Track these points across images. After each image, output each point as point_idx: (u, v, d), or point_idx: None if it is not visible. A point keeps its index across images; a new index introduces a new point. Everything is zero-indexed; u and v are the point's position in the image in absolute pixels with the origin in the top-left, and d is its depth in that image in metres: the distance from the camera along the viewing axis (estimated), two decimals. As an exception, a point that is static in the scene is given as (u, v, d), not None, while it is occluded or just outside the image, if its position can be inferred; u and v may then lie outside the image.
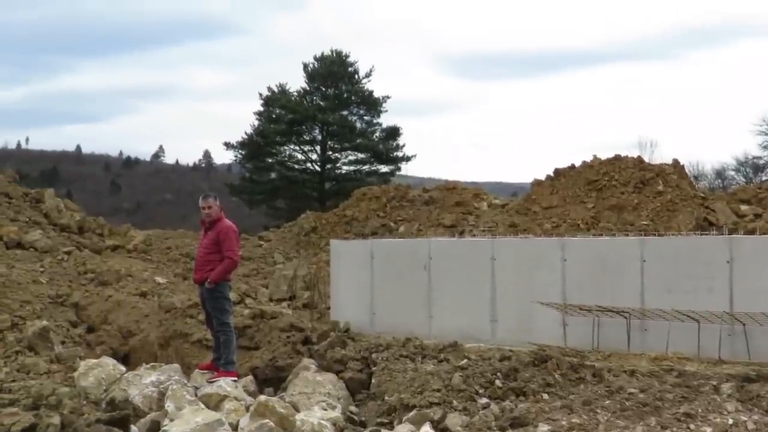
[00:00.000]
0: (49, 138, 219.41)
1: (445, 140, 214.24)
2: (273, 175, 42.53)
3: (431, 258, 12.52)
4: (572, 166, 21.08)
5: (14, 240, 15.88)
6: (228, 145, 43.09)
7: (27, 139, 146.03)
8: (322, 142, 43.43)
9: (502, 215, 20.51)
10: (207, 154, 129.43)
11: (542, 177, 21.42)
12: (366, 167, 43.69)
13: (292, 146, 43.45)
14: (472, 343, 10.34)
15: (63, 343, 11.95)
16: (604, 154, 26.71)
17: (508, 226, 19.02)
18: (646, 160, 22.27)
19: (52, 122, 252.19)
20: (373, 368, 9.55)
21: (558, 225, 18.88)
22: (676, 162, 21.04)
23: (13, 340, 11.42)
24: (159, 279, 15.00)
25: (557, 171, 21.17)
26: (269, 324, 11.66)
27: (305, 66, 44.23)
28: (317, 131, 43.33)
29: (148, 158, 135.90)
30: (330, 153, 43.83)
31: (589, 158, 21.07)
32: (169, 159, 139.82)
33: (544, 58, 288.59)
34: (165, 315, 12.40)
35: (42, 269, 14.70)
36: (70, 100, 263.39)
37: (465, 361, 8.80)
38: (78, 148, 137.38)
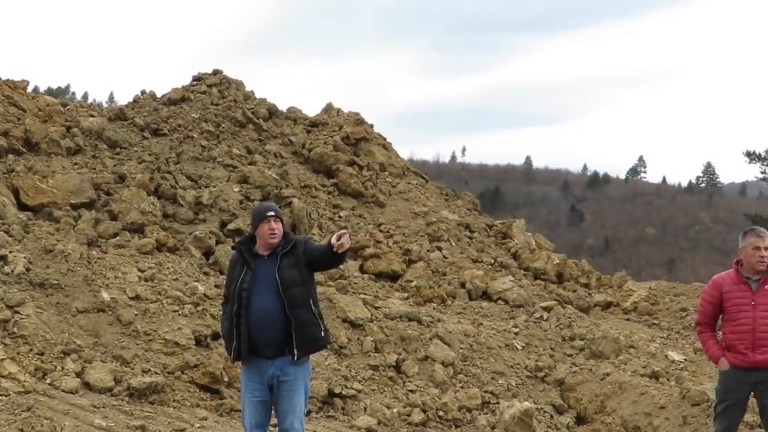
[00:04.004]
0: (491, 146, 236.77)
1: None
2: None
3: None
4: None
5: (479, 288, 17.21)
6: (752, 156, 41.95)
7: (463, 150, 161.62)
8: None
9: None
10: (709, 169, 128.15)
11: None
12: None
13: None
14: None
15: (546, 434, 12.63)
16: None
17: None
18: None
19: (494, 125, 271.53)
20: None
21: None
22: None
23: (486, 425, 12.39)
24: (673, 354, 14.87)
25: None
26: None
27: None
28: None
29: (622, 175, 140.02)
30: None
31: None
32: (652, 177, 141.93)
33: None
34: (691, 409, 12.16)
35: (516, 330, 15.56)
36: (517, 93, 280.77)
37: None
38: (527, 160, 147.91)
